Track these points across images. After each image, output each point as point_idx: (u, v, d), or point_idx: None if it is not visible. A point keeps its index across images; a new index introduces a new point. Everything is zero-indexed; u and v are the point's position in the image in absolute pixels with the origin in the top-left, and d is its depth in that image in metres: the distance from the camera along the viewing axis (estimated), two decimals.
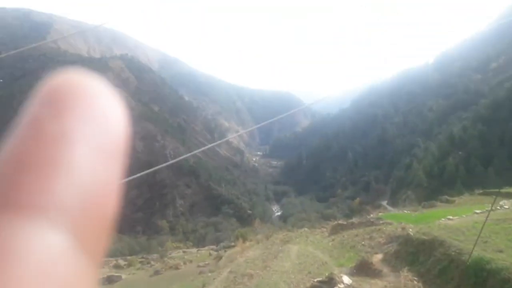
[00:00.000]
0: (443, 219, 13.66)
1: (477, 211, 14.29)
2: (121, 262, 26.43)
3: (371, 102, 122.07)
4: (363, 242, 13.72)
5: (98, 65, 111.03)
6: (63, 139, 0.23)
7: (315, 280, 9.78)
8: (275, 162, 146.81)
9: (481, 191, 21.26)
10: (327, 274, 9.75)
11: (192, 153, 8.38)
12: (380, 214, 20.35)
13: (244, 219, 70.26)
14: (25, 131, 0.23)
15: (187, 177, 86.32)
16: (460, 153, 57.79)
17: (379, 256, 11.69)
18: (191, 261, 23.79)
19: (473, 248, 7.63)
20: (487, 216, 7.67)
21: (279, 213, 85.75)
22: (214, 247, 29.96)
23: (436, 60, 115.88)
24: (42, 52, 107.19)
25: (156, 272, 21.36)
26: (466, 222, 12.35)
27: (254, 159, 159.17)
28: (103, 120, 0.24)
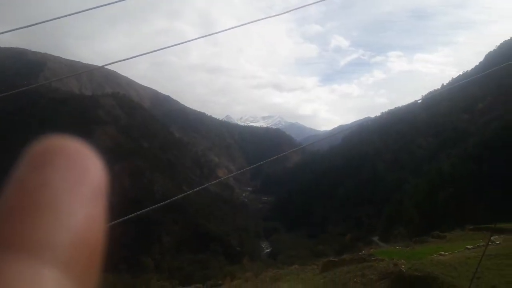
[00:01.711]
0: (435, 254, 13.56)
1: (469, 246, 14.23)
2: None
3: (362, 139, 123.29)
4: (355, 279, 13.33)
5: (89, 102, 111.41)
6: (45, 188, 0.27)
7: None
8: (266, 198, 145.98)
9: (472, 227, 21.18)
10: None
11: (184, 194, 8.19)
12: (372, 250, 20.09)
13: (233, 257, 68.53)
14: (11, 184, 0.28)
15: (174, 213, 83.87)
16: (450, 189, 57.06)
17: None
18: None
19: (470, 286, 7.45)
20: (483, 253, 7.51)
21: (268, 250, 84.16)
22: (201, 285, 29.18)
23: (424, 100, 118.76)
24: (34, 89, 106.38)
25: None
26: (458, 258, 12.28)
27: (243, 194, 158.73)
28: (81, 170, 0.30)
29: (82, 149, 0.30)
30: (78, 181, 0.29)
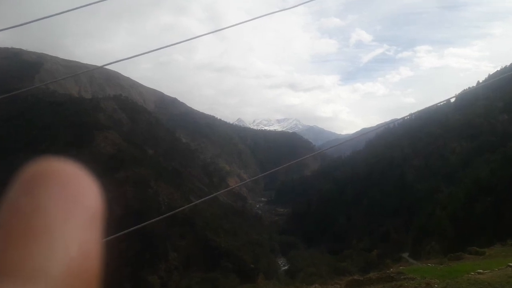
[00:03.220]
0: (472, 273, 13.23)
1: None
2: None
3: (388, 144, 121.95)
4: None
5: (89, 106, 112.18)
6: (38, 213, 0.29)
7: None
8: (281, 209, 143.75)
9: None
10: None
11: (191, 204, 8.31)
12: (401, 268, 19.74)
13: (246, 274, 67.62)
14: (3, 209, 0.30)
15: (181, 227, 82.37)
16: (489, 199, 55.13)
17: None
18: None
19: None
20: None
21: (286, 267, 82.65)
22: None
23: (458, 99, 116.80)
24: (30, 92, 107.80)
25: None
26: (499, 276, 11.94)
27: (257, 205, 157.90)
28: (76, 194, 0.31)
29: (76, 172, 0.32)
30: (72, 206, 0.30)
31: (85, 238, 0.30)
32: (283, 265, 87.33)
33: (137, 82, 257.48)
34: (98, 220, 0.33)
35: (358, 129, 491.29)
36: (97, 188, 0.34)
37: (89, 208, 0.32)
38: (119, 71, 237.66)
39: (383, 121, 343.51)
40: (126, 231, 3.30)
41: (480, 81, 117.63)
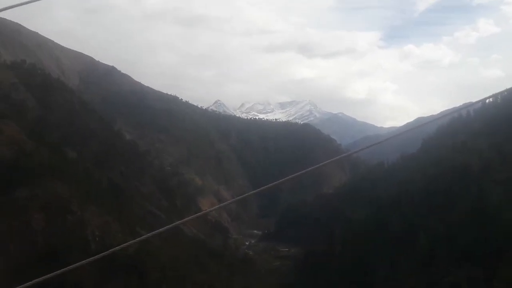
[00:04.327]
0: None
1: None
2: None
3: (458, 143, 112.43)
4: None
5: None
6: None
7: None
8: (286, 249, 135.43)
9: None
10: None
11: (137, 239, 13.10)
12: None
13: None
14: None
15: (123, 277, 76.29)
16: None
17: None
18: None
19: None
20: None
21: None
22: None
23: None
24: None
25: None
26: None
27: (247, 243, 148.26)
28: None
29: None
30: None
31: None
32: None
33: (51, 41, 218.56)
34: None
35: (411, 119, 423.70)
36: None
37: None
38: (20, 23, 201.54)
39: (450, 107, 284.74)
40: (39, 279, 3.75)
41: None
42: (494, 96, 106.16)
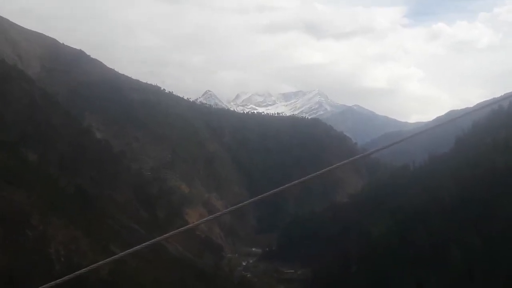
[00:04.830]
0: None
1: None
2: None
3: (498, 141, 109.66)
4: None
5: None
6: None
7: None
8: (290, 271, 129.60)
9: None
10: None
11: (112, 258, 9.22)
12: None
13: None
14: None
15: None
16: None
17: None
18: None
19: None
20: None
21: None
22: None
23: None
24: None
25: None
26: None
27: (243, 263, 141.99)
28: None
29: None
30: None
31: None
32: None
33: (7, 20, 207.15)
34: None
35: (442, 112, 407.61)
36: None
37: None
38: None
39: (489, 98, 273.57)
40: None
41: None
42: None
